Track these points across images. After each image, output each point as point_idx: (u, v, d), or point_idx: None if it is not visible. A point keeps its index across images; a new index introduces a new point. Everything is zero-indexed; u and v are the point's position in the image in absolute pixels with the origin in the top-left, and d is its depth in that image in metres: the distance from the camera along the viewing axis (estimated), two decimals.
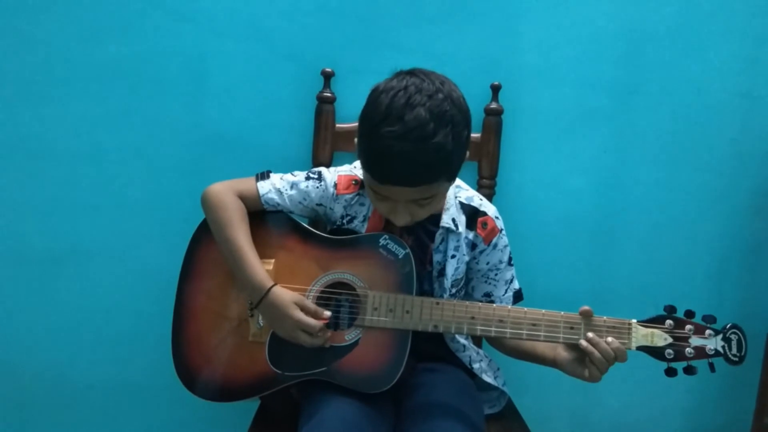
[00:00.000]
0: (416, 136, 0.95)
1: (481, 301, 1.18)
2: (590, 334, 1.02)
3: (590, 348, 1.01)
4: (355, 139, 1.05)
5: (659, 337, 1.01)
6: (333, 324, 1.10)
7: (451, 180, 1.05)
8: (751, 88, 1.45)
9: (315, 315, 1.07)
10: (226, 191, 1.14)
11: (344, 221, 1.17)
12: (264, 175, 1.18)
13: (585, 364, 1.03)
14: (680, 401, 1.57)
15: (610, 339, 1.01)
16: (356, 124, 1.05)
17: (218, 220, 1.13)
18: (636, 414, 1.57)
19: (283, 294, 1.07)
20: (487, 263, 1.19)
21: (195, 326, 1.16)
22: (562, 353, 1.07)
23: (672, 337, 1.01)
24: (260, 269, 1.09)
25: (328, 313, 1.08)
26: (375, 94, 1.01)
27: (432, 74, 1.02)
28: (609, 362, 1.01)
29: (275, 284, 1.08)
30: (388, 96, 0.97)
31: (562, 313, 1.04)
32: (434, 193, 1.02)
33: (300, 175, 1.19)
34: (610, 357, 1.01)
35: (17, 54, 1.37)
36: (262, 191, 1.16)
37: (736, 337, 1.01)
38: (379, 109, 0.98)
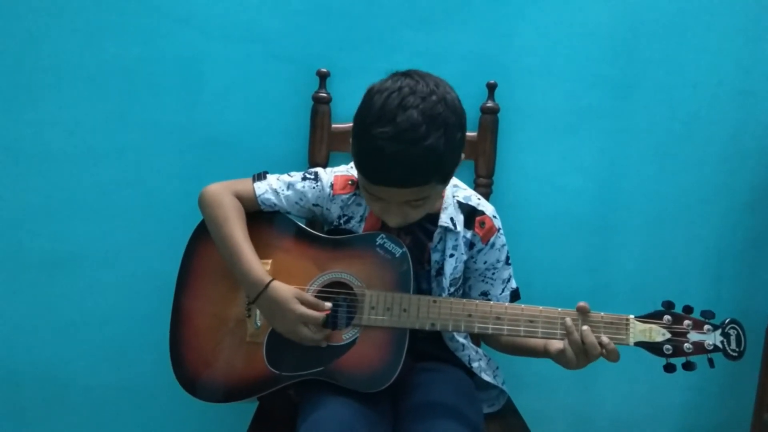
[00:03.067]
0: (408, 138, 0.95)
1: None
2: (585, 327, 1.01)
3: (571, 327, 1.01)
4: (350, 140, 1.05)
5: (657, 333, 1.01)
6: (331, 323, 1.10)
7: (445, 182, 1.05)
8: (748, 85, 1.45)
9: (315, 307, 1.07)
10: (223, 191, 1.14)
11: (341, 221, 1.17)
12: (261, 176, 1.18)
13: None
14: (680, 398, 1.57)
15: (604, 338, 1.01)
16: (352, 124, 1.05)
17: (215, 218, 1.13)
18: (635, 411, 1.57)
19: (283, 288, 1.07)
20: (485, 262, 1.19)
21: (192, 328, 1.15)
22: (553, 342, 1.07)
23: (670, 332, 1.01)
24: (258, 265, 1.09)
25: (328, 305, 1.08)
26: (369, 95, 1.01)
27: (427, 76, 1.01)
28: (591, 354, 1.00)
29: (273, 279, 1.08)
30: (381, 97, 0.98)
31: (560, 309, 1.04)
32: (427, 194, 1.02)
33: (296, 176, 1.19)
34: (594, 350, 1.00)
35: (12, 56, 1.37)
36: (258, 192, 1.16)
37: (735, 332, 1.01)
38: (372, 110, 0.98)
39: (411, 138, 0.95)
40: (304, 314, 1.05)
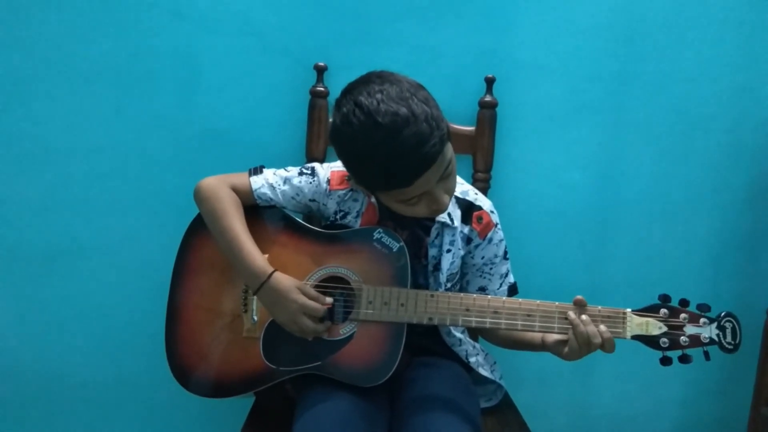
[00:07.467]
0: (403, 120, 0.94)
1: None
2: (584, 316, 1.02)
3: (576, 320, 1.02)
4: (352, 182, 1.08)
5: (654, 326, 1.01)
6: (328, 318, 1.10)
7: (449, 138, 1.03)
8: (746, 80, 1.45)
9: (317, 301, 1.07)
10: (219, 184, 1.14)
11: (337, 217, 1.17)
12: (257, 170, 1.18)
13: (566, 343, 1.03)
14: (678, 393, 1.57)
15: (602, 326, 1.01)
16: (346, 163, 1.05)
17: (213, 211, 1.12)
18: (633, 406, 1.57)
19: (285, 279, 1.07)
20: (482, 257, 1.19)
21: (188, 323, 1.15)
22: (551, 335, 1.07)
23: (667, 325, 1.01)
24: (259, 256, 1.08)
25: (330, 300, 1.08)
26: (343, 131, 0.99)
27: (357, 81, 1.02)
28: (591, 343, 1.01)
29: (275, 270, 1.07)
30: (353, 122, 0.97)
31: (557, 303, 1.04)
32: (449, 156, 1.02)
33: (293, 171, 1.18)
34: (595, 339, 1.00)
35: (9, 51, 1.36)
36: (254, 186, 1.16)
37: (731, 325, 1.01)
38: (358, 133, 0.97)
39: (405, 118, 0.94)
40: (305, 305, 1.05)
